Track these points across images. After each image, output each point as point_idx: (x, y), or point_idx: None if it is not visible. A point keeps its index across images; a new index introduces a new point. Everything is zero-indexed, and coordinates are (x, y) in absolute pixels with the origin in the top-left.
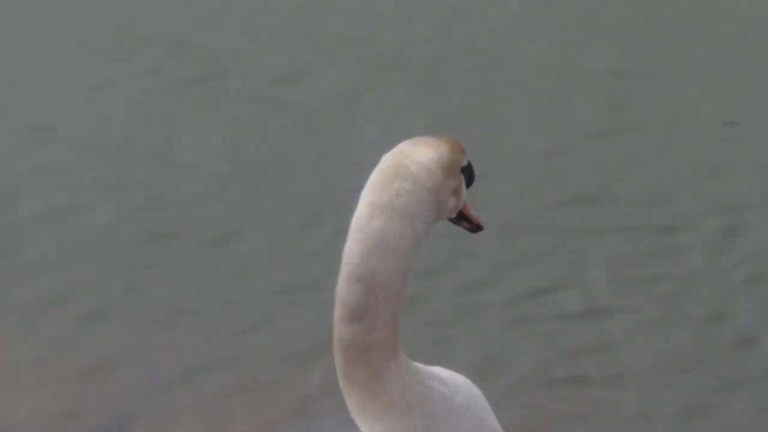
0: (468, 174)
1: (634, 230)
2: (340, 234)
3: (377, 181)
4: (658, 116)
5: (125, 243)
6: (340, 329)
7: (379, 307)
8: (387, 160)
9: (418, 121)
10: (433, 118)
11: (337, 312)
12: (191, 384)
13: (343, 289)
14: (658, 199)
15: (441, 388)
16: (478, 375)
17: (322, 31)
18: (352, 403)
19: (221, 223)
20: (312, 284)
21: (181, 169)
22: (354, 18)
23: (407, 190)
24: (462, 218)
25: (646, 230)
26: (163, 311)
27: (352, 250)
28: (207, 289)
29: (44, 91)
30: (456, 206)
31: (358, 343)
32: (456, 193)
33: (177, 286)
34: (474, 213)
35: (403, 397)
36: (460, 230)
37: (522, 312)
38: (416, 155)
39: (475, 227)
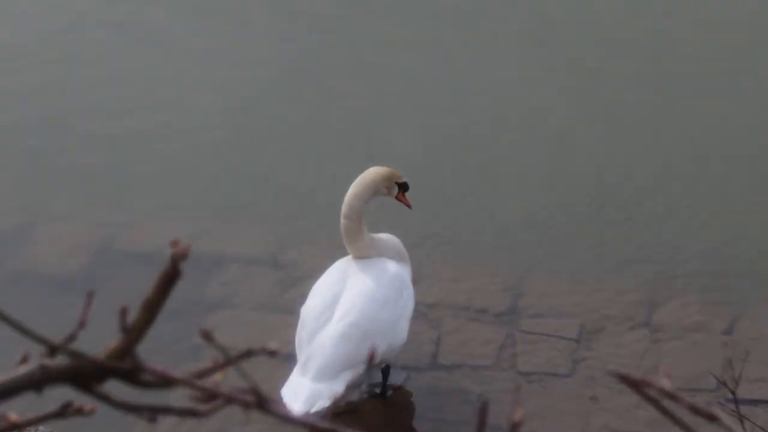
0: (403, 185)
1: None
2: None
3: (360, 175)
4: None
5: None
6: (341, 221)
7: (353, 215)
8: (366, 171)
9: None
10: None
11: (341, 215)
12: None
13: (343, 206)
14: None
15: (383, 243)
16: None
17: None
18: (348, 247)
19: None
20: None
21: None
22: None
23: (364, 178)
24: (400, 201)
25: None
26: None
27: (347, 194)
28: None
29: None
30: (388, 195)
31: (346, 225)
32: (388, 188)
33: None
34: (407, 200)
35: (366, 245)
36: None
37: None
38: (373, 171)
39: (407, 206)
